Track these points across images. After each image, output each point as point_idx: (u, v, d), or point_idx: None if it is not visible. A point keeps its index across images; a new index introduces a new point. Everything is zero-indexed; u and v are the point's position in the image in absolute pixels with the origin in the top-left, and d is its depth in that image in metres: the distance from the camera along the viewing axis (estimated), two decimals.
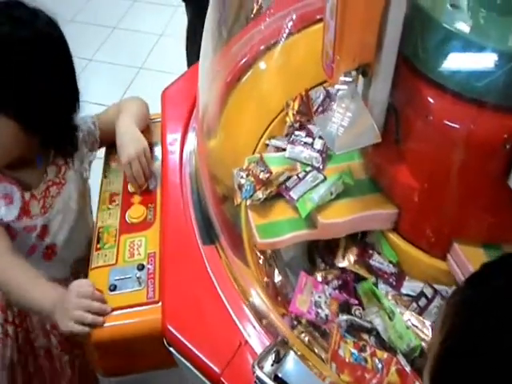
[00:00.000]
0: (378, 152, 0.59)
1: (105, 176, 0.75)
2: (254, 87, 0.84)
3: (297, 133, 0.70)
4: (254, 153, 0.77)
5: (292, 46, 0.89)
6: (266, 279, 0.58)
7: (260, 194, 0.63)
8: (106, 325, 0.54)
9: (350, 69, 0.56)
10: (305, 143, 0.68)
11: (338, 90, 0.57)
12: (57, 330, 0.77)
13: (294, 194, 0.61)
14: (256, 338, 0.47)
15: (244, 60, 0.87)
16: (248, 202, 0.64)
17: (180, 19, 2.38)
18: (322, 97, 0.79)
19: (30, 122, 0.63)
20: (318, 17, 0.92)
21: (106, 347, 0.55)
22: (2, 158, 0.65)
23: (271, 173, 0.65)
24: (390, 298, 0.56)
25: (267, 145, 0.78)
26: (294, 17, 0.93)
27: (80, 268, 0.76)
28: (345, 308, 0.55)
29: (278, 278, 0.59)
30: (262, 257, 0.60)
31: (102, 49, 2.16)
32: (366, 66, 0.56)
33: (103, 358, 0.56)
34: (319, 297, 0.53)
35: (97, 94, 1.68)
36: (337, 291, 0.55)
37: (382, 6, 0.50)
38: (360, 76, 0.57)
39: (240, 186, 0.66)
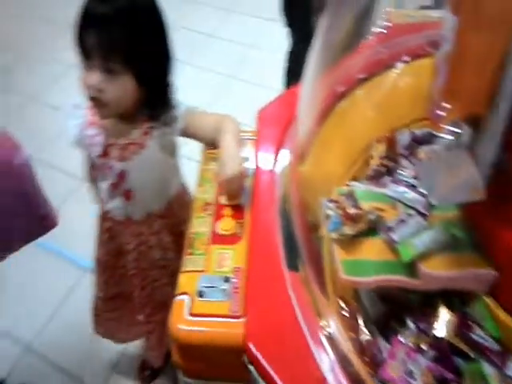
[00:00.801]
0: (481, 208, 0.57)
1: (200, 185, 0.81)
2: (347, 116, 0.85)
3: (401, 172, 0.69)
4: (343, 183, 0.78)
5: (391, 79, 0.89)
6: (351, 334, 0.57)
7: (347, 230, 0.64)
8: (190, 328, 0.59)
9: (459, 118, 0.55)
10: (410, 184, 0.67)
11: (444, 138, 0.57)
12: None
13: (395, 236, 0.60)
14: (332, 375, 0.49)
15: (341, 88, 0.88)
16: (334, 235, 0.65)
17: (269, 33, 2.46)
18: (408, 140, 0.78)
19: (144, 78, 0.75)
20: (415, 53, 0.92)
21: (187, 349, 0.60)
22: (118, 109, 0.77)
23: (361, 209, 0.66)
24: (493, 377, 0.52)
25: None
26: (397, 50, 0.93)
27: (151, 222, 0.91)
28: (441, 382, 0.53)
29: (363, 333, 0.58)
30: (347, 309, 0.59)
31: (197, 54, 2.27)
32: (476, 116, 0.55)
33: (183, 357, 0.61)
34: (413, 366, 0.52)
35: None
36: (432, 362, 0.53)
37: (502, 53, 0.48)
38: (468, 127, 0.57)
39: (327, 217, 0.68)
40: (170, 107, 0.82)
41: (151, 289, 0.98)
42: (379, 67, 0.90)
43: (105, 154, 0.83)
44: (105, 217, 0.94)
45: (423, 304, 0.59)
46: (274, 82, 1.99)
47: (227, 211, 0.74)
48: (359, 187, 0.75)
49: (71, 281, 1.46)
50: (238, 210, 0.75)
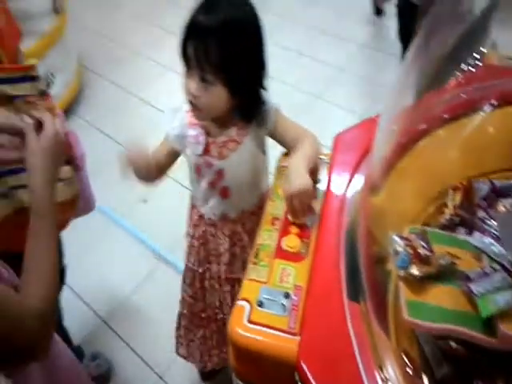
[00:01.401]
0: None
1: (272, 200, 0.84)
2: (427, 155, 0.84)
3: (489, 223, 0.68)
4: (415, 222, 0.77)
5: (478, 123, 0.87)
6: None
7: (416, 271, 0.63)
8: (247, 334, 0.62)
9: None
10: (497, 237, 0.65)
11: None
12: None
13: (475, 288, 0.58)
14: None
15: (423, 126, 0.87)
16: (401, 273, 0.65)
17: (355, 56, 2.44)
18: (486, 190, 0.75)
19: (237, 89, 0.79)
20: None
21: (242, 352, 0.63)
22: (212, 114, 0.84)
23: (432, 252, 0.65)
24: None
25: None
26: (488, 93, 0.90)
27: (244, 219, 0.96)
28: None
29: None
30: (410, 365, 0.57)
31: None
32: None
33: (237, 360, 0.65)
34: None
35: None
36: None
37: None
38: None
39: (396, 253, 0.67)
40: (261, 110, 0.87)
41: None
42: (466, 108, 0.87)
43: (206, 151, 0.89)
44: (198, 223, 0.98)
45: (493, 366, 0.57)
46: (357, 105, 1.98)
47: (294, 229, 0.77)
48: (433, 229, 0.74)
49: (148, 268, 1.56)
50: (304, 229, 0.77)
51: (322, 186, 0.84)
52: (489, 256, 0.63)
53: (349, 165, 0.86)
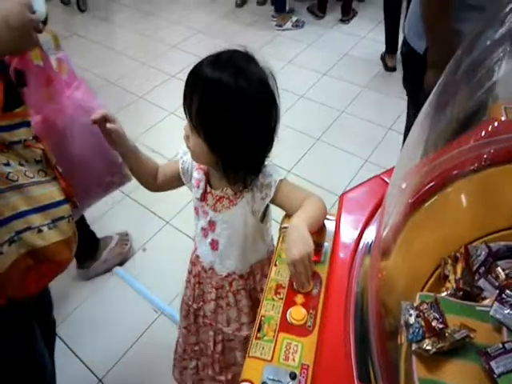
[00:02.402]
0: None
1: (275, 264, 0.81)
2: (436, 216, 0.81)
3: (508, 292, 0.62)
4: (425, 287, 0.74)
5: (490, 180, 0.84)
6: None
7: (429, 346, 0.59)
8: None
9: None
10: None
11: None
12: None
13: (495, 366, 0.54)
14: None
15: (432, 183, 0.85)
16: (413, 347, 0.61)
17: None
18: (483, 255, 0.71)
19: (215, 149, 0.78)
20: None
21: None
22: (197, 159, 0.86)
23: (446, 325, 0.61)
24: None
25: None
26: (498, 147, 0.88)
27: (231, 280, 0.94)
28: None
29: None
30: None
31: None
32: None
33: None
34: None
35: None
36: None
37: None
38: None
39: (407, 325, 0.63)
40: (258, 180, 0.85)
41: (223, 346, 0.99)
42: (477, 164, 0.85)
43: (204, 198, 0.90)
44: (195, 261, 0.99)
45: None
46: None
47: (300, 299, 0.73)
48: (446, 297, 0.69)
49: (146, 322, 1.53)
50: (310, 298, 0.73)
51: (327, 250, 0.82)
52: (509, 329, 0.58)
53: (356, 225, 0.83)
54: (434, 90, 0.78)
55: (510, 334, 0.58)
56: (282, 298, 0.74)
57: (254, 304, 0.97)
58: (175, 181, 0.95)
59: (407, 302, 0.66)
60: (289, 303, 0.73)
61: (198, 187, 0.90)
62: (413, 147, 0.83)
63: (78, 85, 0.98)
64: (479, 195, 0.80)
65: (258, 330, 0.70)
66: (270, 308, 0.73)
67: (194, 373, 1.09)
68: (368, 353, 0.61)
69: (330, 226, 0.86)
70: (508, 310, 0.59)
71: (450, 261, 0.72)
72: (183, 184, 0.96)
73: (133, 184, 1.07)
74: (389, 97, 2.49)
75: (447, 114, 0.81)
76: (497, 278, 0.68)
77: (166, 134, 2.27)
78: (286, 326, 0.69)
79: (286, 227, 0.85)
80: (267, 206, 0.89)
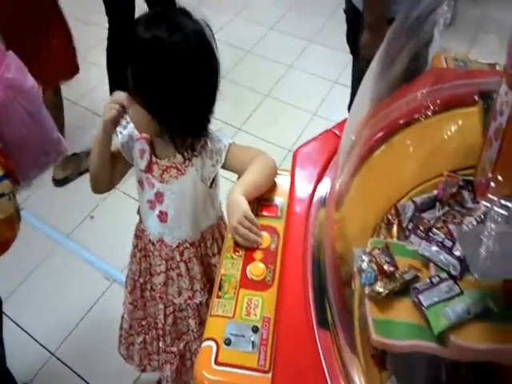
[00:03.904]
0: None
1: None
2: (383, 165, 0.84)
3: (435, 231, 0.68)
4: (375, 233, 0.77)
5: (432, 127, 0.87)
6: None
7: (381, 288, 0.62)
8: (214, 377, 0.59)
9: (510, 193, 0.54)
10: (442, 245, 0.65)
11: (492, 210, 0.55)
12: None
13: (424, 300, 0.58)
14: None
15: (379, 134, 0.87)
16: (366, 290, 0.64)
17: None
18: (411, 211, 0.75)
19: (158, 114, 0.75)
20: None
21: None
22: (140, 130, 0.83)
23: (397, 267, 0.64)
24: None
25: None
26: (441, 96, 0.91)
27: (183, 249, 0.92)
28: None
29: None
30: None
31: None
32: None
33: None
34: None
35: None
36: None
37: None
38: None
39: (360, 271, 0.67)
40: (207, 145, 0.82)
41: (174, 318, 0.98)
42: (421, 113, 0.88)
43: (149, 169, 0.85)
44: (141, 235, 0.96)
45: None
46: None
47: (258, 255, 0.74)
48: (395, 241, 0.73)
49: (98, 291, 1.49)
50: (268, 253, 0.74)
51: (283, 205, 0.82)
52: (437, 265, 0.63)
53: (310, 180, 0.84)
54: (381, 46, 0.78)
55: (437, 269, 0.63)
56: (240, 256, 0.74)
57: (206, 270, 0.96)
58: (121, 163, 0.90)
59: (360, 249, 0.68)
60: (248, 260, 0.73)
61: (142, 158, 0.85)
62: (362, 100, 0.84)
63: (8, 63, 0.86)
64: (423, 143, 0.83)
65: (219, 289, 0.70)
66: (229, 266, 0.73)
67: (141, 348, 1.08)
68: (326, 300, 0.63)
69: (284, 181, 0.87)
70: (435, 248, 0.64)
71: (383, 225, 0.75)
72: (130, 165, 0.91)
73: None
74: (335, 50, 2.48)
75: (393, 67, 0.82)
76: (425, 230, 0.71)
77: None
78: (246, 283, 0.70)
79: None
80: (217, 172, 0.87)
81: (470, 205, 0.72)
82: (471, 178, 0.75)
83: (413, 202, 0.76)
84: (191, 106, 0.75)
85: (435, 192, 0.76)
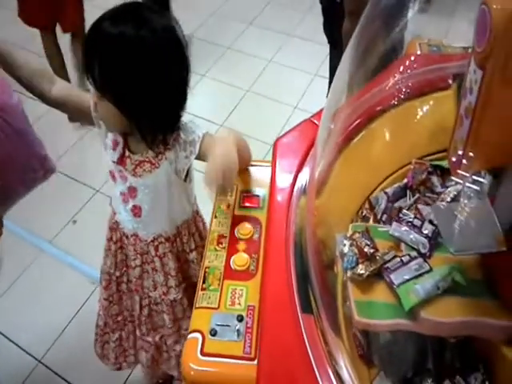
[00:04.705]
0: (501, 258, 0.56)
1: (215, 216, 0.81)
2: (362, 150, 0.85)
3: (404, 211, 0.69)
4: (355, 218, 0.78)
5: (408, 112, 0.89)
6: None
7: (363, 270, 0.63)
8: (201, 368, 0.59)
9: (481, 169, 0.55)
10: (412, 224, 0.66)
11: (464, 186, 0.56)
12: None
13: (394, 279, 0.60)
14: None
15: (357, 121, 0.88)
16: (348, 274, 0.65)
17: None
18: (384, 203, 0.76)
19: (127, 109, 0.74)
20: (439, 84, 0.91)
21: None
22: (110, 127, 0.81)
23: (377, 249, 0.65)
24: None
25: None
26: (416, 81, 0.92)
27: (157, 244, 0.90)
28: None
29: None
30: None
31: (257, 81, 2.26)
32: (499, 168, 0.55)
33: None
34: None
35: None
36: None
37: None
38: (490, 176, 0.56)
39: (342, 255, 0.67)
40: (179, 138, 0.81)
41: (149, 310, 0.98)
42: (397, 99, 0.89)
43: (122, 162, 0.84)
44: (115, 227, 0.94)
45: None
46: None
47: (241, 245, 0.74)
48: (375, 224, 0.74)
49: (84, 295, 1.47)
50: (252, 243, 0.75)
51: (265, 196, 0.83)
52: (407, 244, 0.64)
53: (291, 169, 0.85)
54: (354, 33, 0.79)
55: (406, 247, 0.64)
56: (224, 248, 0.74)
57: (183, 266, 0.95)
58: (83, 114, 0.85)
59: (341, 234, 0.69)
60: (231, 251, 0.73)
61: (115, 150, 0.84)
62: (339, 88, 0.85)
63: None
64: (400, 129, 0.84)
65: (203, 282, 0.70)
66: (213, 258, 0.73)
67: (116, 345, 1.07)
68: (309, 286, 0.64)
69: (266, 173, 0.87)
70: (404, 228, 0.65)
71: (359, 220, 0.76)
72: (91, 123, 0.87)
73: (56, 155, 0.97)
74: (314, 43, 2.49)
75: (368, 55, 0.83)
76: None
77: None
78: (230, 273, 0.70)
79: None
80: (191, 165, 0.85)
81: (439, 189, 0.73)
82: (440, 162, 0.77)
83: (385, 193, 0.77)
84: (160, 101, 0.74)
85: (405, 180, 0.77)
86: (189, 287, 0.96)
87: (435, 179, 0.76)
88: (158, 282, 0.94)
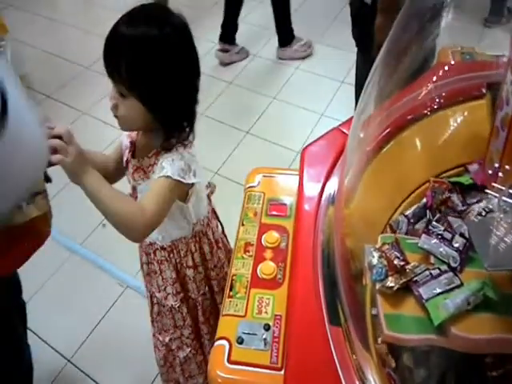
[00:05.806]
0: None
1: (242, 224, 0.81)
2: (393, 160, 0.83)
3: (434, 223, 0.67)
4: (385, 230, 0.77)
5: (441, 121, 0.87)
6: None
7: (392, 283, 0.62)
8: (228, 376, 0.59)
9: None
10: (442, 237, 0.64)
11: (501, 200, 0.54)
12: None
13: (423, 292, 0.58)
14: None
15: (388, 130, 0.87)
16: (378, 286, 0.64)
17: None
18: (404, 226, 0.73)
19: (151, 105, 0.76)
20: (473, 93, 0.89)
21: None
22: (130, 126, 0.82)
23: (407, 262, 0.64)
24: None
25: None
26: (448, 90, 0.90)
27: (154, 250, 0.93)
28: None
29: None
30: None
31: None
32: None
33: None
34: None
35: None
36: None
37: None
38: None
39: (371, 266, 0.66)
40: (191, 128, 0.82)
41: (158, 309, 0.99)
42: (430, 108, 0.88)
43: (126, 165, 0.88)
44: None
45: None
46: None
47: (268, 254, 0.74)
48: (405, 236, 0.73)
49: (113, 297, 1.51)
50: (279, 252, 0.75)
51: (292, 204, 0.83)
52: (437, 257, 0.62)
53: (319, 178, 0.84)
54: (386, 41, 0.78)
55: (436, 261, 0.62)
56: (251, 256, 0.75)
57: (183, 279, 0.95)
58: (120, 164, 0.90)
59: (370, 245, 0.68)
60: (258, 259, 0.74)
61: (124, 154, 0.89)
62: (369, 97, 0.84)
63: None
64: (432, 137, 0.82)
65: (230, 289, 0.70)
66: (240, 266, 0.74)
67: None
68: (337, 297, 0.63)
69: (293, 181, 0.87)
70: (434, 240, 0.63)
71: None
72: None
73: None
74: (341, 50, 2.48)
75: (399, 63, 0.82)
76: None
77: None
78: (256, 282, 0.70)
79: (251, 186, 0.85)
80: (192, 186, 0.84)
81: (460, 207, 0.71)
82: (458, 179, 0.74)
83: (405, 216, 0.75)
84: (185, 94, 0.78)
85: (424, 200, 0.75)
86: (189, 298, 0.97)
87: (455, 197, 0.73)
88: (160, 285, 0.96)
